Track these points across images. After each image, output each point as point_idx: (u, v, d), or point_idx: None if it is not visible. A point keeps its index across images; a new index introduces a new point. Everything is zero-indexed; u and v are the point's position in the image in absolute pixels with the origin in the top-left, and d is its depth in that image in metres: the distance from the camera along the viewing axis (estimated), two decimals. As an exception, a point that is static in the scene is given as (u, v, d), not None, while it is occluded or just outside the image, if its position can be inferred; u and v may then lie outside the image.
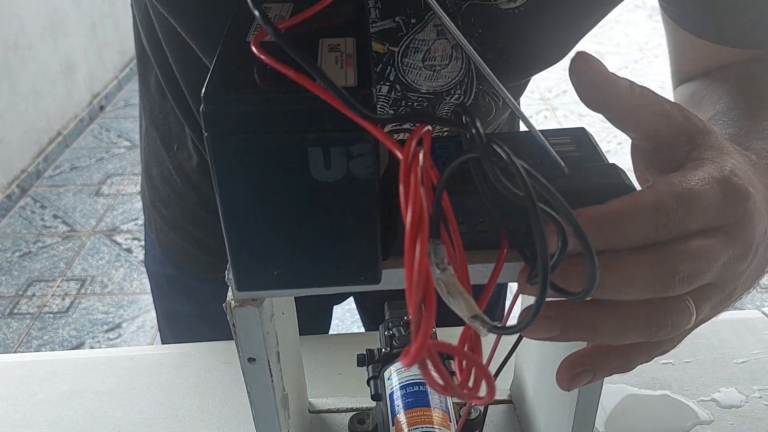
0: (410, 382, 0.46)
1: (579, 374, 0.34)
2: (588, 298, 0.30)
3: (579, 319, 0.31)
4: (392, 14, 0.46)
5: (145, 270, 0.80)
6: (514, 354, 0.42)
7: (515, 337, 0.51)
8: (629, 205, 0.30)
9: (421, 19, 0.46)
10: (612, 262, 0.30)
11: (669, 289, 0.30)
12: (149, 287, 0.79)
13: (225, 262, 0.32)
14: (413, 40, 0.47)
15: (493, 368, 0.29)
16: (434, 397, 0.45)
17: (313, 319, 0.80)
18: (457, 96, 0.50)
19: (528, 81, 0.61)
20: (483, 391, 0.25)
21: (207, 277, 0.70)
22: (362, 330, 0.91)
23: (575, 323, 0.31)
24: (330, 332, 0.85)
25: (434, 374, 0.23)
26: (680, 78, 0.59)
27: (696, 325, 0.33)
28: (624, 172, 0.33)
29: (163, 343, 0.78)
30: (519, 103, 0.61)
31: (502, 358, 0.41)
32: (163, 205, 0.70)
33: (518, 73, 0.53)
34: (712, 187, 0.31)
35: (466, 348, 0.27)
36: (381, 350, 0.50)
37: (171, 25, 0.50)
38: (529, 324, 0.26)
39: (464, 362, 0.26)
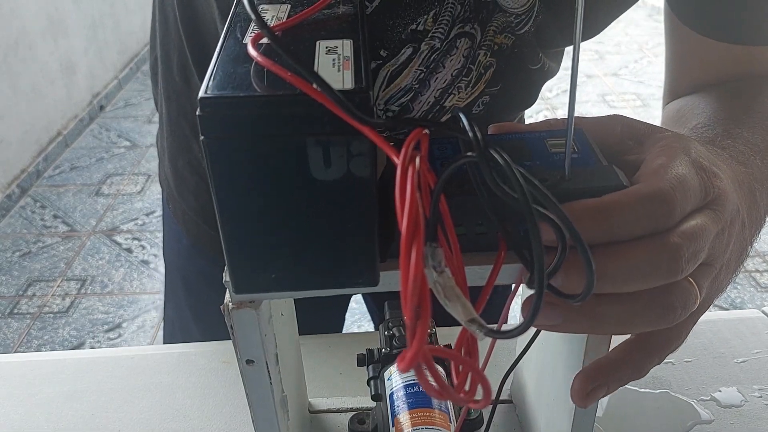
0: (411, 382, 0.46)
1: (593, 390, 0.34)
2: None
3: (582, 309, 0.31)
4: None
5: (145, 270, 0.80)
6: (514, 353, 0.42)
7: (516, 340, 0.51)
8: (629, 197, 0.31)
9: None
10: (616, 253, 0.30)
11: (677, 273, 0.31)
12: (149, 287, 0.79)
13: None
14: None
15: (490, 371, 0.29)
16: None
17: (329, 315, 0.80)
18: (515, 16, 0.50)
19: (558, 58, 0.60)
20: (480, 394, 0.25)
21: None
22: (363, 329, 0.91)
23: (578, 312, 0.31)
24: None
25: (430, 379, 0.22)
26: (673, 94, 0.59)
27: (700, 310, 0.34)
28: (622, 173, 0.33)
29: (163, 343, 0.78)
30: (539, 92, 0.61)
31: (505, 360, 0.41)
32: (192, 196, 0.69)
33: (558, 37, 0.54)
34: (691, 169, 0.33)
35: (462, 352, 0.27)
36: (381, 350, 0.50)
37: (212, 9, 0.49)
38: (526, 328, 0.26)
39: (461, 366, 0.26)
